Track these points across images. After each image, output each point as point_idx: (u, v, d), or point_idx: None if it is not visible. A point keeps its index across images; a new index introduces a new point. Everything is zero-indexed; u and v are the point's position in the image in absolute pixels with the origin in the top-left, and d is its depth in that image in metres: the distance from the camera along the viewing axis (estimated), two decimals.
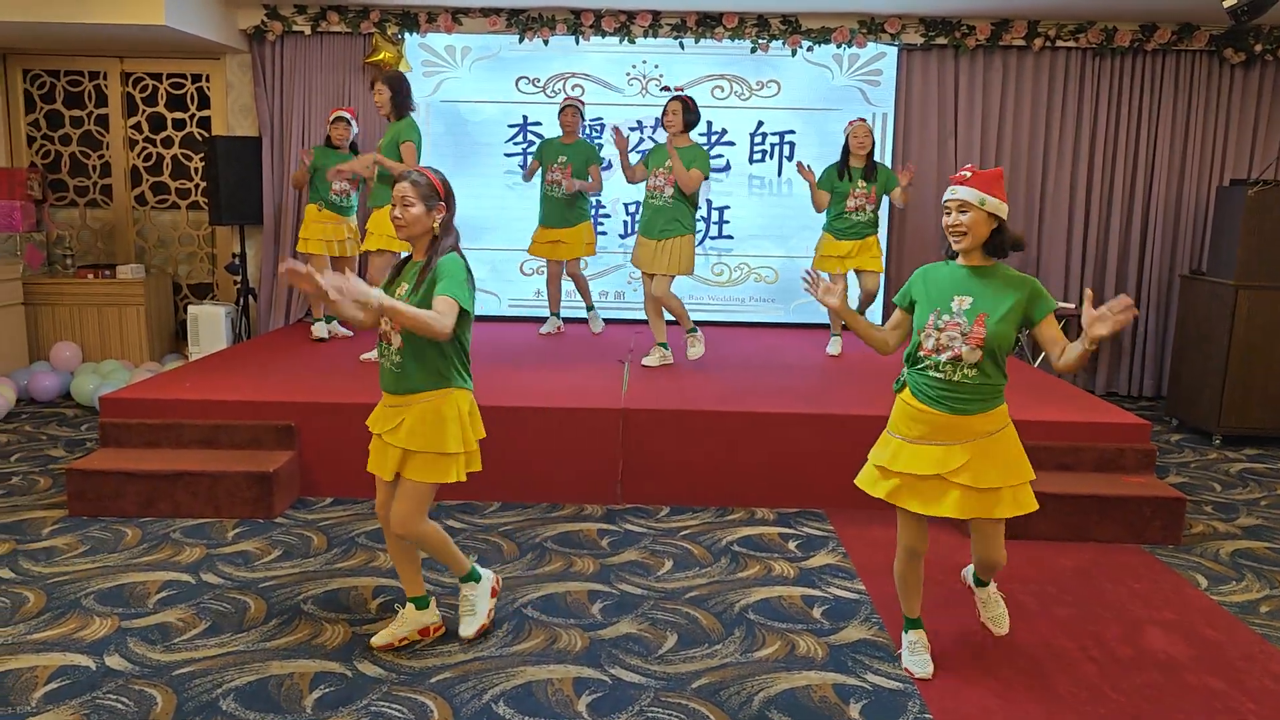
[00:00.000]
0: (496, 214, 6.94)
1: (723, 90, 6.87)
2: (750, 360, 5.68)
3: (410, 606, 3.08)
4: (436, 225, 2.85)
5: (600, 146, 6.90)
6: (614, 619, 3.27)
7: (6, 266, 6.51)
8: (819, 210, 5.80)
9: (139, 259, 7.25)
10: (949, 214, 2.75)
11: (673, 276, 5.24)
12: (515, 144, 6.95)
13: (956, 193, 2.73)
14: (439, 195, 2.84)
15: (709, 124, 6.88)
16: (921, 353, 2.78)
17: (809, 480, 4.41)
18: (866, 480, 2.93)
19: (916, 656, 2.97)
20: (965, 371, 2.71)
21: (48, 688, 2.74)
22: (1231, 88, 6.64)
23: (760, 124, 6.90)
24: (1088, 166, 6.79)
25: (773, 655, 3.04)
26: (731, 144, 6.93)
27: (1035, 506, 2.81)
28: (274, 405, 4.42)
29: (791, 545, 3.99)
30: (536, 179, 6.19)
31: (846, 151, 5.67)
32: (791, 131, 6.87)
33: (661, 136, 6.85)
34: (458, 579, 3.15)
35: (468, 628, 3.08)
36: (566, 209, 6.02)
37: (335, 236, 5.91)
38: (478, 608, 3.12)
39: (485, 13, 6.65)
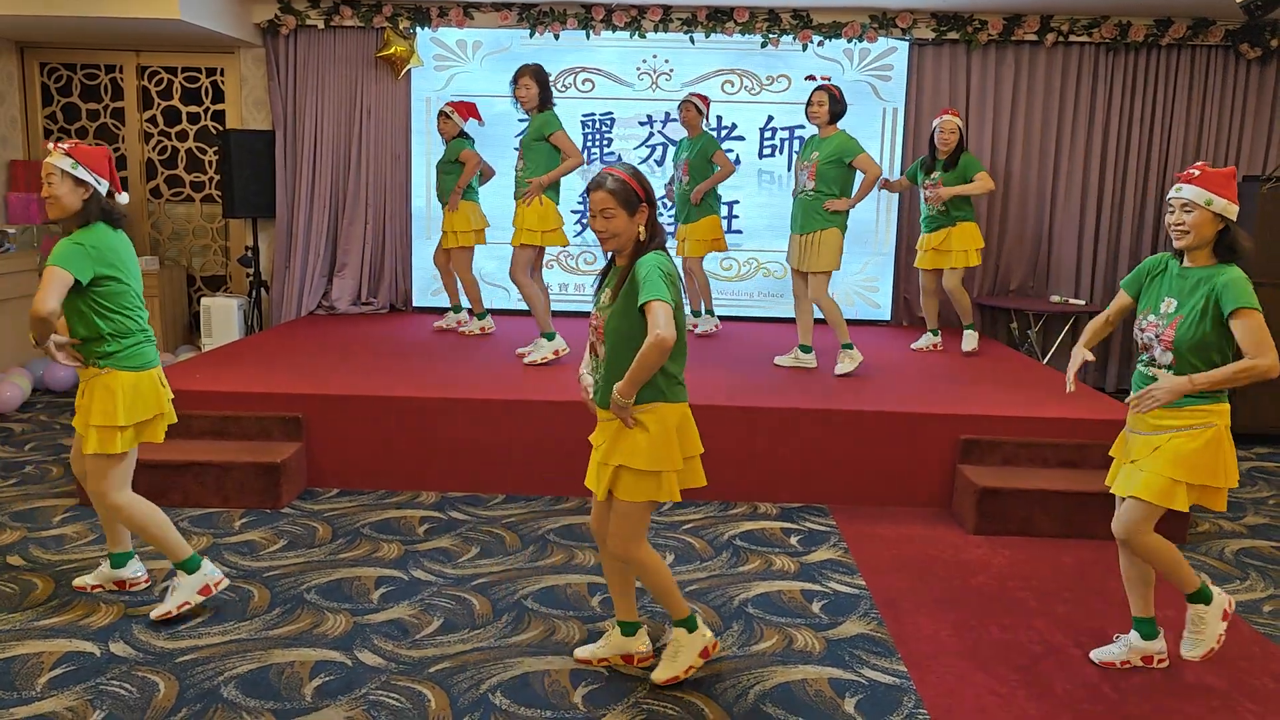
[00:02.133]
0: (508, 208, 6.92)
1: (733, 85, 6.86)
2: (757, 355, 5.68)
3: (617, 630, 2.94)
4: (642, 230, 2.62)
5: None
6: (614, 611, 3.28)
7: (24, 258, 6.58)
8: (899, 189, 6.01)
9: (153, 251, 7.32)
10: (1172, 212, 2.72)
11: (828, 275, 5.10)
12: None
13: (1181, 191, 2.70)
14: (639, 197, 2.60)
15: (719, 118, 6.88)
16: (1139, 349, 2.87)
17: (813, 475, 4.41)
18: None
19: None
20: (1163, 370, 2.74)
21: (53, 673, 2.79)
22: (1247, 84, 6.58)
23: (770, 119, 6.89)
24: (1100, 163, 6.75)
25: (770, 649, 3.05)
26: (741, 139, 6.92)
27: (1219, 507, 2.82)
28: (282, 397, 4.47)
29: (793, 540, 4.00)
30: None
31: (933, 145, 5.75)
32: (801, 126, 6.85)
33: (671, 131, 6.87)
34: (671, 621, 2.86)
35: (662, 671, 2.82)
36: (692, 205, 5.91)
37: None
38: (679, 657, 2.83)
39: (496, 7, 6.67)
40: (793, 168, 5.24)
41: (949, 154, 5.65)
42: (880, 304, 7.02)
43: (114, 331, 3.00)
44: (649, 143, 6.95)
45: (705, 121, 6.09)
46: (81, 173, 2.96)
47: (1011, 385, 5.06)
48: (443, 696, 2.72)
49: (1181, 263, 2.80)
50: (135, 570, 3.39)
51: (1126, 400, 2.89)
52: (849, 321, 6.90)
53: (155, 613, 3.13)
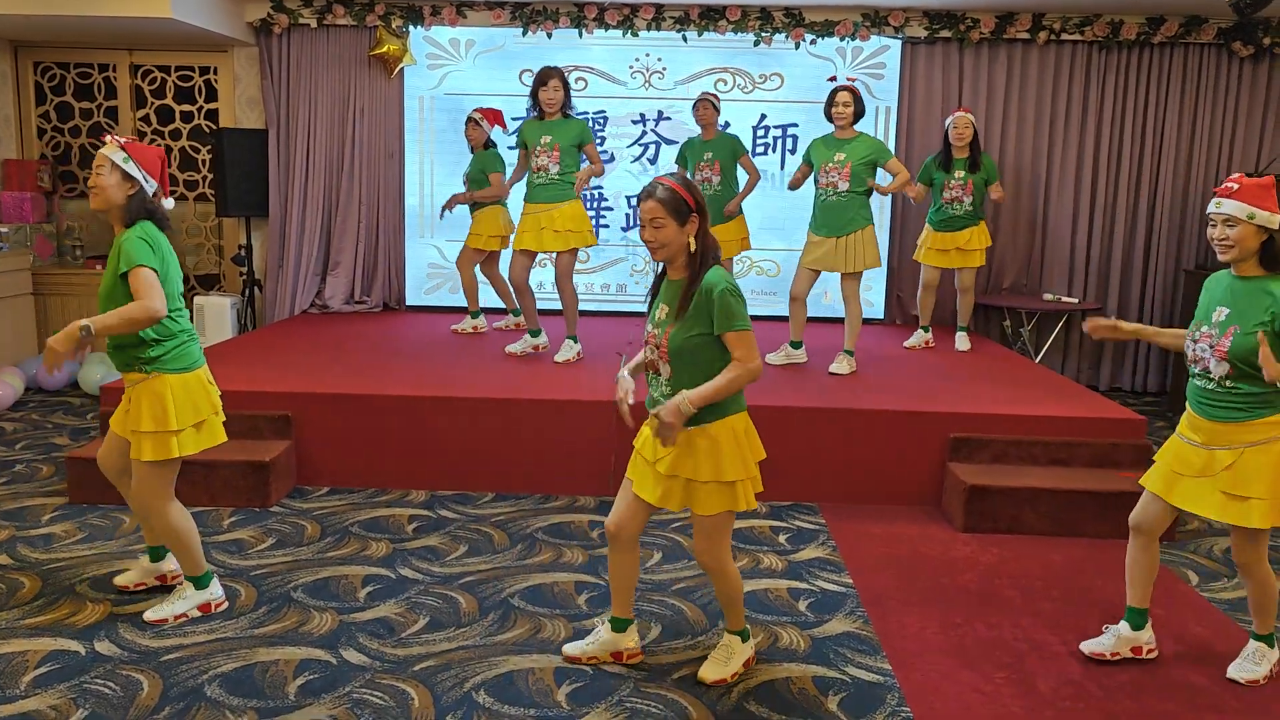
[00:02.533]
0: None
1: (725, 83, 6.86)
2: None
3: (607, 626, 2.94)
4: (693, 241, 2.62)
5: (603, 139, 6.93)
6: (600, 610, 3.29)
7: (17, 257, 6.58)
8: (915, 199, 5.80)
9: None
10: (1213, 226, 2.71)
11: (860, 275, 5.16)
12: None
13: (1222, 206, 2.68)
14: (690, 206, 2.59)
15: None
16: (1188, 360, 2.83)
17: (803, 473, 4.41)
18: (1148, 475, 2.97)
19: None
20: (1221, 381, 2.71)
21: (37, 672, 2.79)
22: (1240, 81, 6.58)
23: (763, 117, 6.89)
24: (1093, 161, 6.75)
25: (755, 647, 3.04)
26: (734, 137, 6.90)
27: None
28: (272, 395, 4.47)
29: (782, 538, 4.01)
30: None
31: (947, 143, 5.73)
32: (794, 125, 6.86)
33: (665, 130, 6.87)
34: (727, 629, 2.92)
35: (713, 671, 2.84)
36: (720, 207, 5.81)
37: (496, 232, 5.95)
38: (731, 661, 2.87)
39: (489, 6, 6.67)
40: (804, 169, 5.23)
41: (965, 152, 5.67)
42: (873, 302, 7.02)
43: (158, 335, 2.95)
44: (641, 141, 6.94)
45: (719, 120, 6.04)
46: (131, 167, 2.94)
47: (1002, 383, 5.07)
48: (426, 695, 2.72)
49: (1232, 271, 2.78)
50: (175, 563, 3.38)
51: (1188, 411, 2.85)
52: (839, 320, 6.94)
53: (152, 615, 3.12)
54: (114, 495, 4.16)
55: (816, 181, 5.19)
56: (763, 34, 6.65)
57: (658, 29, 6.68)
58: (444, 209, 6.05)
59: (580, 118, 5.25)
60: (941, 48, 6.68)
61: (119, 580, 3.36)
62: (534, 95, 5.09)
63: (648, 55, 6.85)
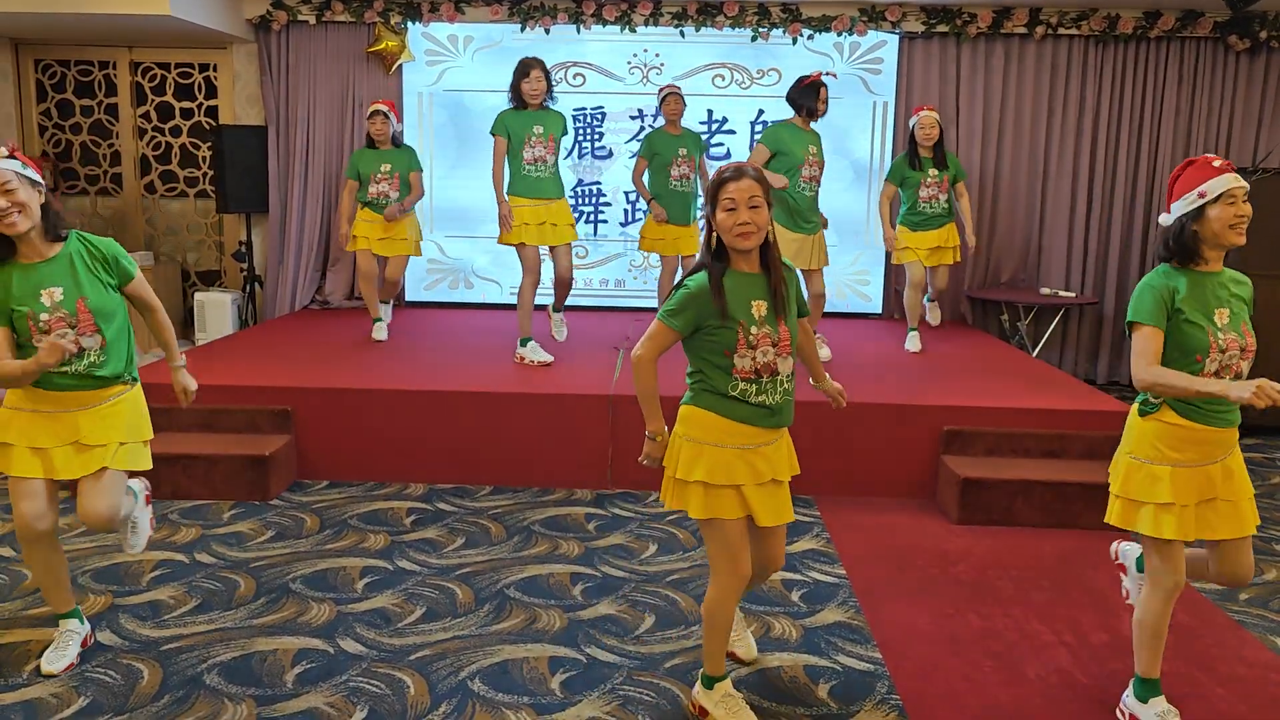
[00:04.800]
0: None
1: (723, 79, 6.89)
2: None
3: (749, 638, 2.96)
4: (771, 231, 2.46)
5: (602, 135, 6.96)
6: (594, 600, 3.33)
7: None
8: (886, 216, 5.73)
9: (148, 246, 7.35)
10: (1233, 203, 2.41)
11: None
12: None
13: (1242, 180, 2.43)
14: (768, 189, 2.44)
15: (709, 112, 6.91)
16: (1210, 373, 2.45)
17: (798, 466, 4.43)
18: (1149, 524, 2.52)
19: None
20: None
21: (39, 660, 2.83)
22: (1236, 75, 6.59)
23: (761, 112, 6.91)
24: (1090, 155, 6.77)
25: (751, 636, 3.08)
26: (732, 132, 6.95)
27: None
28: (271, 390, 4.50)
29: None
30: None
31: (913, 141, 5.58)
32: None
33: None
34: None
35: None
36: (688, 205, 5.71)
37: (373, 235, 5.65)
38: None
39: (487, 2, 6.69)
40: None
41: (931, 151, 5.55)
42: (871, 296, 7.05)
43: (128, 343, 2.84)
44: (639, 137, 6.96)
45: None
46: (30, 172, 2.63)
47: (995, 376, 5.09)
48: (422, 683, 2.76)
49: (1194, 266, 2.48)
50: (81, 619, 2.95)
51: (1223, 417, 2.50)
52: (840, 315, 6.98)
53: (55, 668, 2.79)
54: None
55: (799, 175, 5.00)
56: (760, 29, 6.67)
57: (655, 24, 6.71)
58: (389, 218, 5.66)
59: (558, 110, 5.10)
60: (938, 42, 6.70)
61: (54, 668, 2.78)
62: (516, 87, 4.92)
63: (645, 51, 6.87)
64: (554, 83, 5.04)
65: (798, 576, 3.58)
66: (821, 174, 5.12)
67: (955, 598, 3.42)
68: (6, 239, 2.61)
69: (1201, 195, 2.42)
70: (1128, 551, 2.99)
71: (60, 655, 2.81)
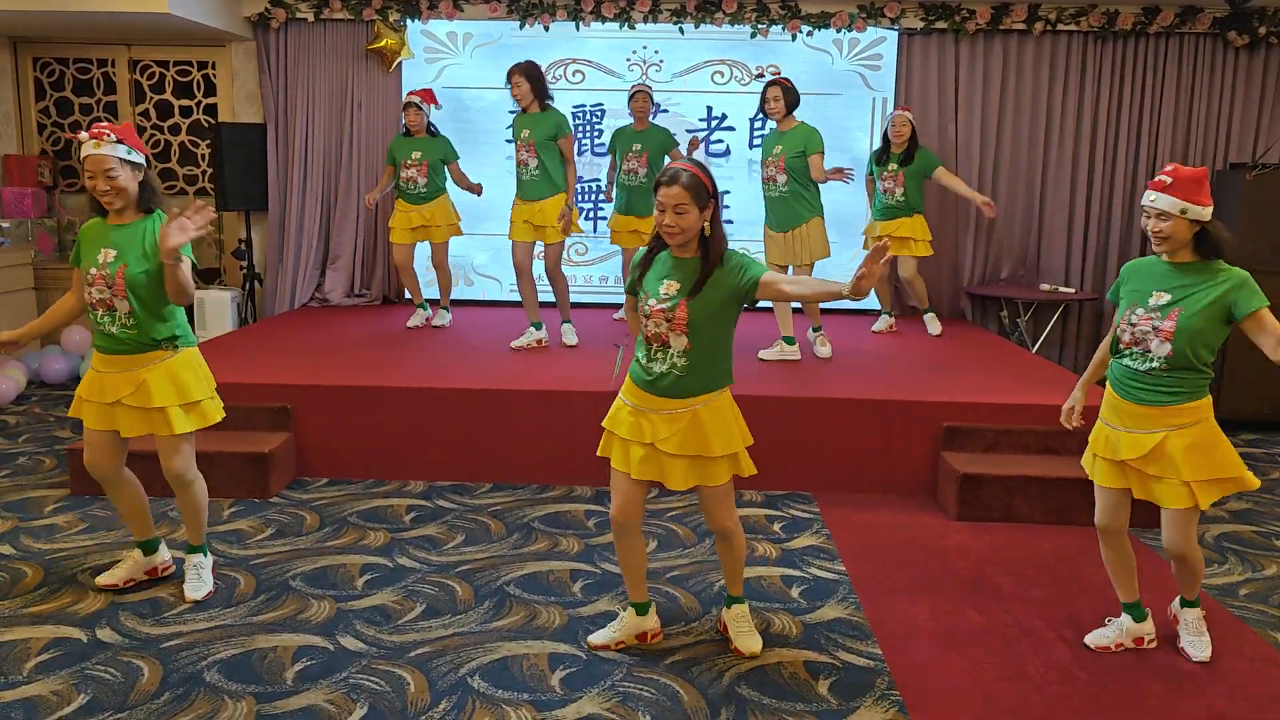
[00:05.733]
0: (498, 200, 6.95)
1: (722, 75, 6.88)
2: (745, 344, 5.70)
3: (631, 611, 3.01)
4: (708, 226, 2.69)
5: (598, 132, 6.94)
6: (594, 597, 3.34)
7: (18, 252, 6.62)
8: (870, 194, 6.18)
9: None
10: (1148, 218, 2.74)
11: (811, 266, 5.26)
12: None
13: (1156, 201, 2.70)
14: (709, 192, 2.67)
15: (709, 108, 6.91)
16: (1121, 345, 2.84)
17: (798, 463, 4.45)
18: (1085, 462, 3.03)
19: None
20: (1154, 364, 2.75)
21: (40, 658, 2.83)
22: (1235, 71, 6.58)
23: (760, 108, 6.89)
24: (1089, 152, 6.76)
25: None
26: (731, 129, 6.94)
27: (1253, 484, 2.82)
28: (271, 388, 4.50)
29: (776, 527, 4.04)
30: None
31: (886, 139, 5.95)
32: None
33: (663, 122, 6.88)
34: (733, 598, 3.05)
35: (754, 642, 2.97)
36: (642, 197, 5.88)
37: (406, 225, 5.93)
38: (753, 626, 3.04)
39: None
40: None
41: (903, 148, 5.86)
42: (870, 291, 7.03)
43: (172, 313, 3.11)
44: None
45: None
46: (135, 156, 2.98)
47: (994, 372, 5.10)
48: (422, 680, 2.77)
49: (1165, 258, 2.81)
50: (165, 555, 3.43)
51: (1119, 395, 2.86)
52: (841, 313, 6.99)
53: (201, 594, 3.25)
54: None
55: (762, 176, 5.25)
56: (759, 26, 6.66)
57: (654, 21, 6.70)
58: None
59: (558, 110, 5.28)
60: (937, 39, 6.70)
61: (105, 580, 3.28)
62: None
63: (645, 48, 6.87)
64: (546, 82, 5.22)
65: (798, 573, 3.58)
66: (788, 172, 5.09)
67: (955, 594, 3.42)
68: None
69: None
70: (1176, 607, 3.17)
71: (110, 572, 3.31)
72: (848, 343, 5.89)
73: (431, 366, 4.94)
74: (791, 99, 5.15)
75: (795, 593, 3.41)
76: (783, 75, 5.25)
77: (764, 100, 5.18)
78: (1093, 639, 3.06)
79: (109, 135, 2.91)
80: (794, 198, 5.13)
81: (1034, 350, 6.56)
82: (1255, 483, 2.82)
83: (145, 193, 3.04)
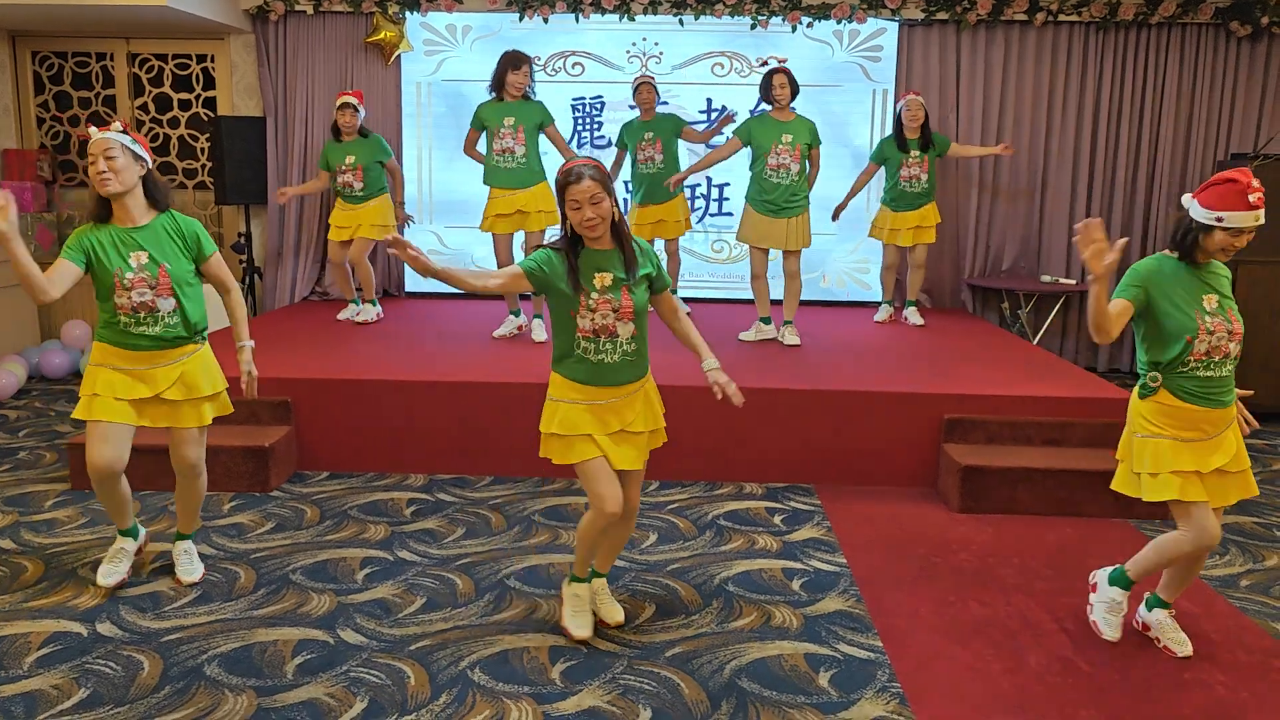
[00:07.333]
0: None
1: (723, 67, 6.86)
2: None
3: (588, 587, 3.09)
4: (616, 210, 2.76)
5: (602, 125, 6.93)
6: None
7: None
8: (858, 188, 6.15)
9: None
10: (1240, 236, 2.68)
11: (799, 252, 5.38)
12: None
13: (1261, 218, 2.66)
14: (610, 180, 2.78)
15: (708, 100, 6.89)
16: (1191, 358, 2.74)
17: (798, 455, 4.44)
18: (1159, 485, 2.80)
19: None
20: (1231, 366, 2.80)
21: (40, 653, 2.83)
22: (1238, 61, 6.55)
23: (760, 100, 6.86)
24: (1091, 142, 6.74)
25: (748, 626, 3.09)
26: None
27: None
28: (271, 382, 4.49)
29: (777, 519, 4.04)
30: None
31: (899, 124, 5.92)
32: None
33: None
34: (601, 574, 3.16)
35: (618, 611, 3.10)
36: (659, 184, 5.83)
37: (345, 224, 5.94)
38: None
39: None
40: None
41: (918, 133, 5.86)
42: (871, 285, 7.03)
43: (202, 303, 3.20)
44: None
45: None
46: (137, 148, 3.02)
47: (995, 364, 5.08)
48: (422, 673, 2.76)
49: (1190, 262, 2.79)
50: (140, 532, 3.43)
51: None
52: (840, 304, 6.99)
53: (197, 575, 3.33)
54: None
55: (765, 163, 5.27)
56: (759, 17, 6.64)
57: (654, 13, 6.68)
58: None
59: (538, 100, 5.32)
60: (938, 30, 6.67)
61: (111, 582, 3.21)
62: (501, 79, 5.16)
63: (644, 39, 6.84)
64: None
65: (799, 565, 3.58)
66: (801, 161, 5.25)
67: (956, 586, 3.42)
68: (106, 203, 3.00)
69: (1219, 220, 2.67)
70: (1100, 574, 3.18)
71: (113, 570, 3.25)
72: (847, 334, 5.88)
73: (432, 360, 4.94)
74: (795, 87, 5.23)
75: (796, 585, 3.41)
76: (785, 64, 5.31)
77: (770, 86, 5.20)
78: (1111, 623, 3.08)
79: (115, 125, 3.01)
80: (800, 185, 5.26)
81: (1035, 342, 6.55)
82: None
83: (155, 191, 3.08)
